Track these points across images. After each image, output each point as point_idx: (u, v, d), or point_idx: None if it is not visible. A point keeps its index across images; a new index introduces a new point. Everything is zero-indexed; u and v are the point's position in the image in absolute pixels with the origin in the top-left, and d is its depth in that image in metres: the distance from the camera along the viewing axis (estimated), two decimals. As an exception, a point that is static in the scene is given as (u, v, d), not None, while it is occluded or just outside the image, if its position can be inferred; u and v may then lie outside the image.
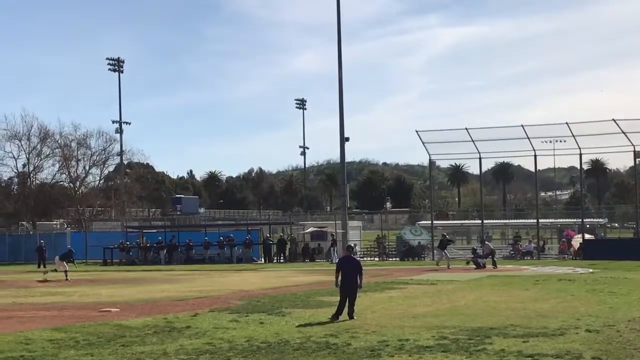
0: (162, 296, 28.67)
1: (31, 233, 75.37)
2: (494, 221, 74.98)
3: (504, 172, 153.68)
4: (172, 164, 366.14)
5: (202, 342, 16.39)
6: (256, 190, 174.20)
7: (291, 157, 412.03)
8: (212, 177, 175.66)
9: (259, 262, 58.58)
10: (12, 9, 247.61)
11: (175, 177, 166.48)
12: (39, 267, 54.85)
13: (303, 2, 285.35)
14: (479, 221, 62.20)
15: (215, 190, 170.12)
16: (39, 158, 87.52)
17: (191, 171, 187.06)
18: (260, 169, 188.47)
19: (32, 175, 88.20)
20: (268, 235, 62.38)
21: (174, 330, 18.27)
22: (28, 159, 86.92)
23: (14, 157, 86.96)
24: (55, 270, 41.28)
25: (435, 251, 48.26)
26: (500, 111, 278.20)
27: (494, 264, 44.08)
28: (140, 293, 30.58)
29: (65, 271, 40.33)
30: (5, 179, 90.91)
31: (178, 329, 18.56)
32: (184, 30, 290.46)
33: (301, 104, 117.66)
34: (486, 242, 48.05)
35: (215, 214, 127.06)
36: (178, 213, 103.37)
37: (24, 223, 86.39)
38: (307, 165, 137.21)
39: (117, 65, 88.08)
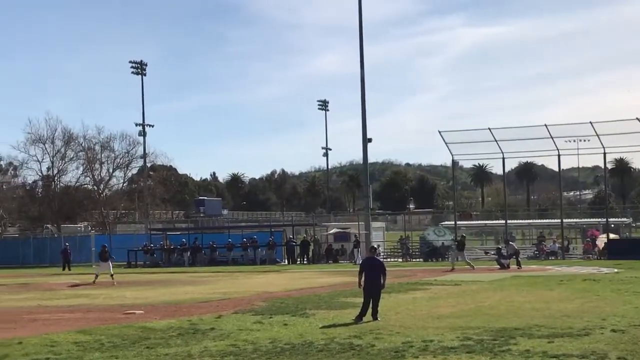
0: (186, 298, 28.75)
1: (56, 236, 75.83)
2: (518, 221, 74.68)
3: (527, 172, 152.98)
4: (195, 166, 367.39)
5: (226, 343, 16.41)
6: (279, 191, 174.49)
7: (314, 159, 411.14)
8: (235, 179, 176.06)
9: (283, 263, 58.62)
10: (36, 14, 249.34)
11: (198, 179, 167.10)
12: (63, 269, 55.30)
13: (324, 3, 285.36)
14: (503, 221, 61.94)
15: (238, 191, 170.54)
16: (63, 161, 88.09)
17: (214, 173, 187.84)
18: (283, 170, 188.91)
19: (56, 178, 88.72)
20: (291, 236, 62.38)
21: (198, 332, 18.32)
22: (52, 162, 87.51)
23: (39, 161, 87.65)
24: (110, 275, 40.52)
25: (451, 253, 48.09)
26: (522, 111, 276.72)
27: (518, 264, 43.89)
28: (164, 295, 30.69)
29: (96, 275, 40.30)
30: (30, 182, 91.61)
31: (202, 330, 18.60)
32: (205, 33, 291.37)
33: (323, 105, 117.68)
34: (510, 243, 47.87)
35: (238, 216, 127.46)
36: (201, 215, 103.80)
37: (49, 226, 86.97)
38: (329, 167, 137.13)
39: (139, 68, 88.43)
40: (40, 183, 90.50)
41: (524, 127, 57.18)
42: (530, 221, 75.85)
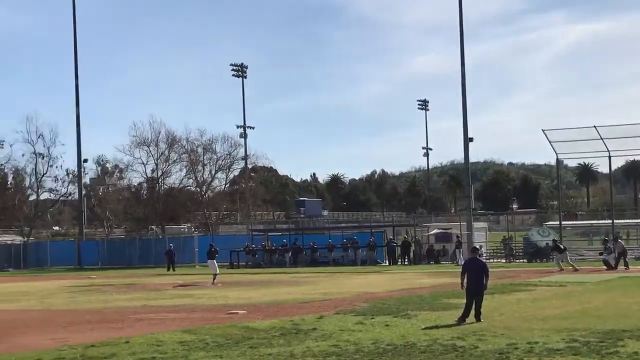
0: (287, 298, 28.94)
1: (160, 237, 77.21)
2: (625, 221, 72.74)
3: (635, 170, 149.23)
4: (295, 167, 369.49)
5: (329, 344, 16.43)
6: (379, 192, 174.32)
7: (414, 159, 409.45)
8: (335, 180, 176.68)
9: (383, 264, 58.48)
10: (139, 18, 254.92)
11: (298, 180, 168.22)
12: (168, 270, 56.26)
13: (424, 3, 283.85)
14: (609, 221, 60.50)
15: (338, 192, 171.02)
16: (167, 163, 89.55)
17: (314, 174, 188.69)
18: (383, 170, 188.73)
19: (160, 180, 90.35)
20: (392, 237, 62.20)
21: (300, 333, 18.39)
22: (156, 165, 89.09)
23: (143, 163, 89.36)
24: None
25: (555, 254, 47.10)
26: (628, 108, 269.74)
27: (626, 264, 42.84)
28: (266, 295, 30.95)
29: (215, 274, 40.70)
30: (135, 184, 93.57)
31: (304, 331, 18.67)
32: (306, 34, 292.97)
33: (423, 104, 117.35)
34: (619, 241, 46.71)
35: (338, 217, 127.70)
36: (302, 216, 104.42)
37: (153, 227, 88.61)
38: (430, 166, 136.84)
39: (240, 71, 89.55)
40: (145, 185, 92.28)
41: (631, 124, 55.68)
42: (638, 220, 73.86)
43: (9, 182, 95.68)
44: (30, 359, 15.91)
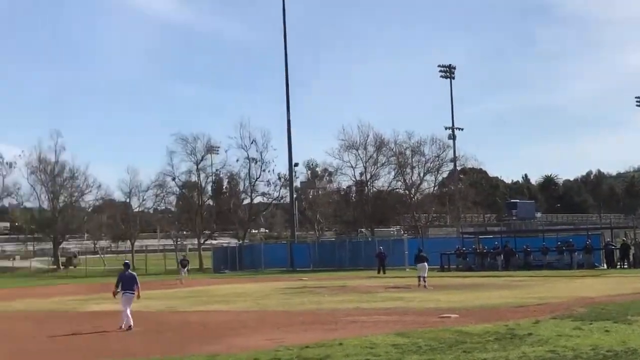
0: (500, 302, 28.36)
1: (369, 239, 77.85)
2: None
3: None
4: (505, 169, 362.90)
5: (545, 349, 15.89)
6: (595, 193, 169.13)
7: (633, 158, 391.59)
8: (548, 181, 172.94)
9: (601, 267, 56.46)
10: (347, 22, 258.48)
11: (509, 181, 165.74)
12: (378, 272, 56.56)
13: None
14: None
15: (552, 194, 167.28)
16: (375, 166, 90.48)
17: (526, 175, 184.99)
18: (599, 171, 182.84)
19: (369, 183, 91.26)
20: (610, 239, 59.96)
21: (515, 337, 17.90)
22: (365, 168, 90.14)
23: (352, 166, 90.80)
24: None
25: None
26: None
27: None
28: (477, 299, 30.49)
29: (423, 277, 40.27)
30: (344, 187, 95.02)
31: (519, 336, 18.16)
32: (514, 33, 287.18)
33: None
34: None
35: (552, 219, 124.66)
36: (514, 218, 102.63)
37: (363, 230, 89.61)
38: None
39: (448, 72, 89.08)
40: (354, 188, 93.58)
41: None
42: None
43: (224, 187, 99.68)
44: (248, 359, 16.31)
